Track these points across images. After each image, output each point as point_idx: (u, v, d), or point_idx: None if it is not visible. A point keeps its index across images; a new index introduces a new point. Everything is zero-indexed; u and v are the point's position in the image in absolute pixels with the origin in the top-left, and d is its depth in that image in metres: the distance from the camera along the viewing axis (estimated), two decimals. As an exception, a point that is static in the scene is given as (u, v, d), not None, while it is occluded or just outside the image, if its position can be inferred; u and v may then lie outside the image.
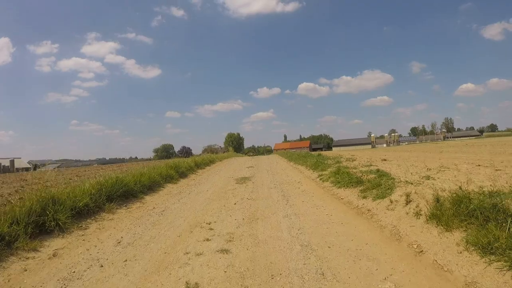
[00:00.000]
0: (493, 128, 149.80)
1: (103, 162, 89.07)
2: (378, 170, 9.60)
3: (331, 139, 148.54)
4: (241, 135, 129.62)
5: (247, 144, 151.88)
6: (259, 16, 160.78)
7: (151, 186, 10.99)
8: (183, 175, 15.72)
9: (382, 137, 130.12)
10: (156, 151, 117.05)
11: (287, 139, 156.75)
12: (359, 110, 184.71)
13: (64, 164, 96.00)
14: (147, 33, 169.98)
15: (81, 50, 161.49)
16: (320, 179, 10.98)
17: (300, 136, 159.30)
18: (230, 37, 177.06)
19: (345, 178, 9.55)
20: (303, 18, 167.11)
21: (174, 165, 15.42)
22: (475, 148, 22.14)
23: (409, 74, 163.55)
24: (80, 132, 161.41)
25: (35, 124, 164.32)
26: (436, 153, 19.14)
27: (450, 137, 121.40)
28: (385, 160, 14.10)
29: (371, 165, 11.55)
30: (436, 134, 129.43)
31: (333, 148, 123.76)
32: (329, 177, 10.51)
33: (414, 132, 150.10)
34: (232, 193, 10.17)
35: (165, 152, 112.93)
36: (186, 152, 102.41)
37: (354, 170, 10.46)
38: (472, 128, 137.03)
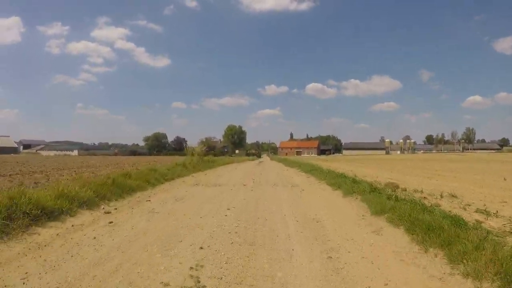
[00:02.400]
0: (504, 142, 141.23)
1: (86, 148, 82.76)
2: None
3: (339, 141, 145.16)
4: (243, 129, 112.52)
5: (250, 139, 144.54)
6: (272, 12, 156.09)
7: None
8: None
9: (382, 142, 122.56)
10: (146, 139, 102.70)
11: (294, 137, 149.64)
12: (366, 114, 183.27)
13: (47, 147, 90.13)
14: (158, 21, 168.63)
15: (91, 33, 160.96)
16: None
17: (307, 135, 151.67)
18: (241, 32, 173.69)
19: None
20: (315, 18, 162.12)
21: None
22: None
23: (418, 82, 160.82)
24: (86, 116, 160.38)
25: (41, 105, 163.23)
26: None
27: (470, 149, 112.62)
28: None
29: None
30: (454, 144, 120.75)
31: (344, 152, 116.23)
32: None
33: (430, 140, 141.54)
34: None
35: (156, 141, 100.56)
36: (179, 143, 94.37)
37: None
38: (493, 142, 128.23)
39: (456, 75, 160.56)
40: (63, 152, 79.23)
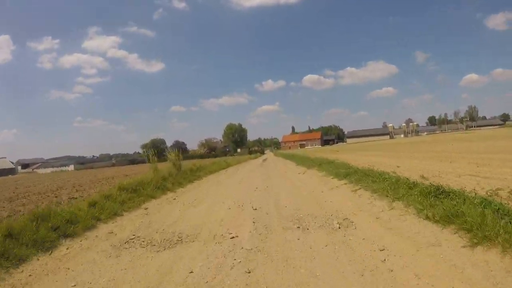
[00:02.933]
0: (505, 117, 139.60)
1: (82, 162, 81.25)
2: None
3: (341, 130, 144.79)
4: (243, 126, 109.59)
5: (252, 137, 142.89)
6: (262, 8, 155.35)
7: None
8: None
9: (385, 127, 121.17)
10: (144, 146, 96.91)
11: (295, 130, 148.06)
12: (365, 101, 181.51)
13: (44, 165, 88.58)
14: (149, 26, 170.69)
15: (82, 45, 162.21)
16: None
17: (309, 127, 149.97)
18: (233, 29, 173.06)
19: None
20: (305, 9, 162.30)
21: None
22: None
23: (414, 64, 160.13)
24: (84, 129, 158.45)
25: (38, 122, 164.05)
26: None
27: (474, 126, 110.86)
28: None
29: None
30: (457, 123, 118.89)
31: (348, 140, 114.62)
32: None
33: (432, 121, 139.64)
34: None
35: (155, 148, 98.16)
36: (179, 148, 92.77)
37: None
38: (494, 117, 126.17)
39: (451, 55, 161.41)
40: (60, 168, 77.58)
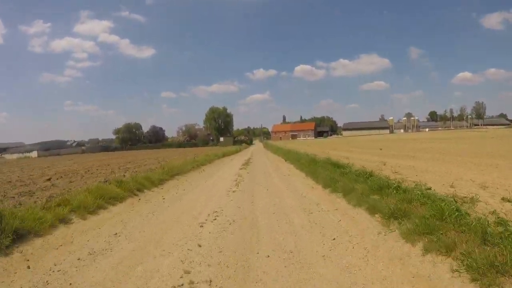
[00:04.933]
0: (503, 117, 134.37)
1: (46, 147, 69.86)
2: None
3: (334, 122, 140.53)
4: (229, 111, 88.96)
5: (240, 125, 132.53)
6: None
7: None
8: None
9: (383, 120, 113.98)
10: (117, 132, 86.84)
11: (286, 120, 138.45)
12: (356, 94, 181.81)
13: (13, 150, 76.06)
14: (141, 12, 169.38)
15: (73, 29, 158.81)
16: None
17: (301, 117, 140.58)
18: (226, 17, 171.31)
19: None
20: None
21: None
22: None
23: (407, 59, 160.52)
24: (74, 113, 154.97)
25: (29, 105, 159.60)
26: None
27: (481, 125, 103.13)
28: None
29: None
30: (463, 120, 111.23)
31: (344, 133, 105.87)
32: None
33: (433, 116, 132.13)
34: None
35: (129, 133, 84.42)
36: (156, 134, 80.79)
37: None
38: (502, 115, 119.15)
39: (445, 52, 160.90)
40: (24, 154, 67.94)
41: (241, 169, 15.95)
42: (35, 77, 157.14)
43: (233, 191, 8.89)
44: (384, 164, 10.75)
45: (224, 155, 31.06)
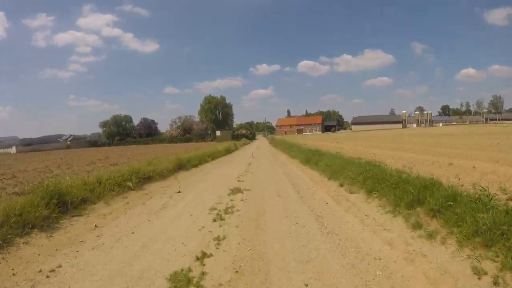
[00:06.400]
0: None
1: (28, 142, 64.48)
2: None
3: (340, 116, 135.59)
4: (228, 102, 76.50)
5: (242, 119, 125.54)
6: None
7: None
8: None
9: (394, 115, 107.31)
10: (104, 125, 77.74)
11: (291, 114, 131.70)
12: (360, 89, 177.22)
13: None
14: (144, 5, 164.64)
15: (76, 22, 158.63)
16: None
17: (306, 111, 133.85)
18: (230, 12, 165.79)
19: None
20: None
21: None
22: None
23: (411, 55, 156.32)
24: (77, 108, 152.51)
25: (32, 100, 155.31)
26: None
27: (498, 120, 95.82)
28: None
29: None
30: (480, 115, 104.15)
31: (353, 127, 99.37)
32: None
33: (445, 111, 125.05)
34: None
35: (117, 126, 75.34)
36: (148, 127, 73.18)
37: None
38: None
39: (449, 48, 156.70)
40: (4, 150, 62.59)
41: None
42: (38, 71, 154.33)
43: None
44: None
45: (223, 152, 25.14)
